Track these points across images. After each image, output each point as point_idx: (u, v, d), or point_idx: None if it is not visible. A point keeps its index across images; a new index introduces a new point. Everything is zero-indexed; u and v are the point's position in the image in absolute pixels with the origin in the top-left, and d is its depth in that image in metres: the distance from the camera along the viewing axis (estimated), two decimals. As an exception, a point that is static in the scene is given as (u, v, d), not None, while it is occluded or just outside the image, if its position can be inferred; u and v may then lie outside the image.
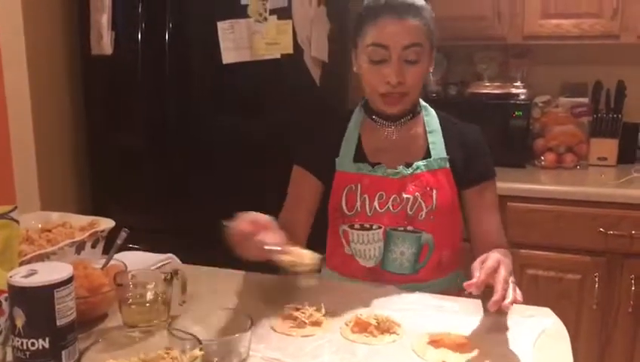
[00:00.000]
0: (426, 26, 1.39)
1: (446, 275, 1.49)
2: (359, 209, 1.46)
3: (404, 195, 1.44)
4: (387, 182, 1.45)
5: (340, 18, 2.69)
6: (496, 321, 1.20)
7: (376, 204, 1.45)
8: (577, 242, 2.20)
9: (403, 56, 1.37)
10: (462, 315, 1.24)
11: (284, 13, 2.22)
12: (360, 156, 1.49)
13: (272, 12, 2.22)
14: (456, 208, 1.48)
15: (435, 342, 1.10)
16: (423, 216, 1.44)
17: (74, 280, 1.01)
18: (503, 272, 1.13)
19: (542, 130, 2.57)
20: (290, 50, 2.24)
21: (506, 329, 1.18)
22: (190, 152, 2.42)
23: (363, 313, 1.20)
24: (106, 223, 1.46)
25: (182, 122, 2.40)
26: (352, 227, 1.47)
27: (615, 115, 2.53)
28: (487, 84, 2.62)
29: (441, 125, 1.51)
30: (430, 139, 1.49)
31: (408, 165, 1.46)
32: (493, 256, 1.17)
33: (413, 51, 1.37)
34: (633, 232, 2.14)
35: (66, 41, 2.60)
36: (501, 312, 1.14)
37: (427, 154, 1.48)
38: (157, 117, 2.43)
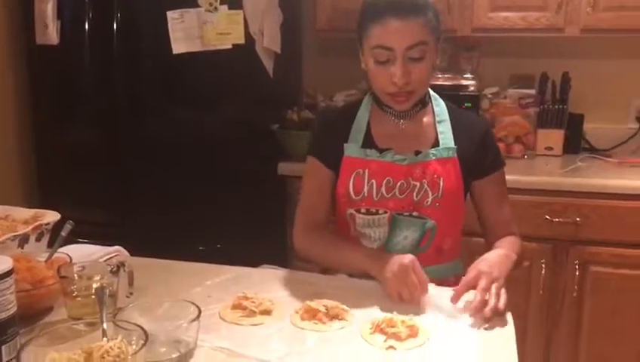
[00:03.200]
0: (429, 22, 1.39)
1: (444, 263, 1.52)
2: (366, 194, 1.47)
3: (412, 181, 1.46)
4: (395, 167, 1.46)
5: (293, 8, 2.69)
6: (443, 308, 1.23)
7: (383, 189, 1.47)
8: (525, 229, 2.21)
9: (408, 55, 1.37)
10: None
11: (235, 3, 2.20)
12: (368, 142, 1.51)
13: (223, 2, 2.19)
14: (460, 198, 1.51)
15: (382, 328, 1.11)
16: (429, 202, 1.46)
17: (14, 273, 0.99)
18: (483, 282, 1.20)
19: (491, 121, 2.62)
20: (242, 41, 2.22)
21: (453, 316, 1.20)
22: (139, 144, 2.37)
23: (312, 300, 1.21)
24: (51, 216, 1.43)
25: (131, 114, 2.34)
26: (358, 211, 1.49)
27: (561, 106, 2.60)
28: (439, 75, 2.66)
29: (450, 116, 1.53)
30: (439, 128, 1.51)
31: (417, 153, 1.48)
32: (475, 268, 1.26)
33: (417, 50, 1.38)
34: (578, 219, 2.21)
35: (9, 29, 2.51)
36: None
37: (436, 144, 1.50)
38: (105, 108, 2.37)
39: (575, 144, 2.65)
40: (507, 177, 2.24)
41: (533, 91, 2.63)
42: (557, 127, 2.61)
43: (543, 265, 2.25)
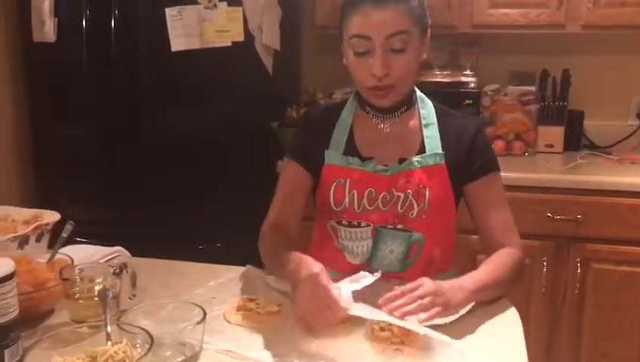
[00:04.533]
0: (412, 11, 1.29)
1: (436, 274, 1.39)
2: (347, 205, 1.39)
3: (395, 193, 1.37)
4: (377, 178, 1.38)
5: (292, 5, 2.68)
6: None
7: (365, 200, 1.38)
8: (526, 227, 2.20)
9: (387, 46, 1.28)
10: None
11: (234, -1, 2.19)
12: (351, 149, 1.42)
13: (222, -2, 2.18)
14: (450, 207, 1.41)
15: (384, 329, 1.10)
16: (414, 214, 1.37)
17: (16, 275, 0.97)
18: (418, 291, 1.12)
19: (491, 118, 2.61)
20: (241, 38, 2.20)
21: (461, 316, 1.19)
22: (137, 143, 2.35)
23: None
24: (51, 216, 1.42)
25: (129, 112, 2.33)
26: (339, 223, 1.41)
27: (561, 103, 2.59)
28: (438, 72, 2.65)
29: (437, 118, 1.43)
30: (425, 133, 1.41)
31: (401, 161, 1.39)
32: (421, 281, 1.15)
33: (398, 40, 1.28)
34: (579, 217, 2.20)
35: (6, 27, 2.48)
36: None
37: (422, 149, 1.40)
38: (103, 106, 2.35)
39: (575, 141, 2.65)
40: (509, 174, 2.25)
41: (533, 88, 2.62)
42: (557, 124, 2.60)
43: (545, 263, 2.25)
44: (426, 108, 1.45)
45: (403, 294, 1.12)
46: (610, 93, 2.70)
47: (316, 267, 1.12)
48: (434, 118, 1.43)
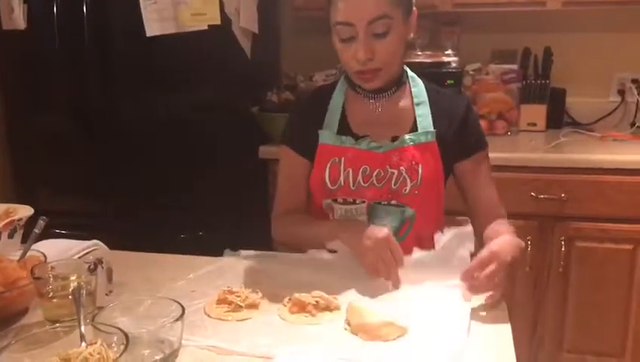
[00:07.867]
0: None
1: (426, 250, 1.42)
2: (342, 183, 1.42)
3: (389, 169, 1.40)
4: (371, 155, 1.41)
5: (269, -13, 2.62)
6: (432, 293, 1.20)
7: (360, 178, 1.41)
8: (510, 207, 2.18)
9: (370, 31, 1.31)
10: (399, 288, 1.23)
11: (209, -18, 2.12)
12: (344, 128, 1.45)
13: (197, -19, 2.11)
14: (440, 185, 1.45)
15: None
16: (407, 190, 1.40)
17: (-15, 276, 0.94)
18: (491, 267, 1.14)
19: (473, 98, 2.59)
20: (218, 21, 2.15)
21: (444, 302, 1.17)
22: (114, 130, 2.30)
23: (301, 292, 1.17)
24: (24, 211, 1.37)
25: (105, 99, 2.27)
26: (335, 201, 1.44)
27: (543, 81, 2.58)
28: (419, 53, 2.62)
29: (428, 96, 1.46)
30: (418, 111, 1.44)
31: (394, 139, 1.42)
32: (490, 249, 1.18)
33: (380, 24, 1.30)
34: (563, 195, 2.19)
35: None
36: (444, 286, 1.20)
37: (414, 127, 1.43)
38: (78, 94, 2.30)
39: (558, 119, 2.64)
40: (492, 155, 2.22)
41: (515, 66, 2.60)
42: (540, 102, 2.59)
43: (529, 242, 2.24)
44: (418, 87, 1.49)
45: (482, 266, 1.14)
46: (591, 70, 2.69)
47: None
48: (425, 97, 1.46)
